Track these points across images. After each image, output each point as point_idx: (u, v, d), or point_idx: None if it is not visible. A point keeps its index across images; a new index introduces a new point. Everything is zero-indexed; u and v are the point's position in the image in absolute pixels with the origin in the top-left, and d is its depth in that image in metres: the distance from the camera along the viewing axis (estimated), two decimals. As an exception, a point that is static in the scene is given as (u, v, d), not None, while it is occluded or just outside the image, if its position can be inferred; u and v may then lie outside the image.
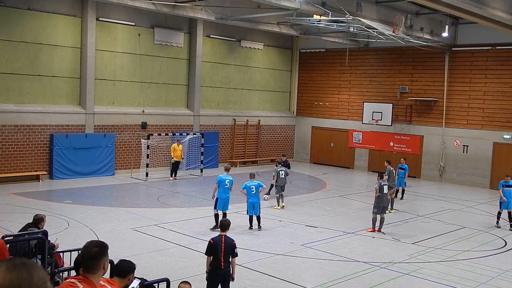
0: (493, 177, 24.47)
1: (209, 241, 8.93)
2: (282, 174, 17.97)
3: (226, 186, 14.48)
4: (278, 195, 17.81)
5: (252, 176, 15.37)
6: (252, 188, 14.70)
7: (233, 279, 8.92)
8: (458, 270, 11.98)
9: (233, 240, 8.95)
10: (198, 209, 16.44)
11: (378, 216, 15.25)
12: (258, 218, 14.79)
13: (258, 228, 14.65)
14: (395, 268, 12.02)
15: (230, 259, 8.82)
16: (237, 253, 8.93)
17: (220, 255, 8.73)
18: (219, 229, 14.27)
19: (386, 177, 18.31)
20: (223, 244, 8.75)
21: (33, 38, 20.53)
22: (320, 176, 25.78)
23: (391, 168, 19.01)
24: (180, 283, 7.51)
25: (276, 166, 18.94)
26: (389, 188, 15.46)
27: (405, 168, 20.49)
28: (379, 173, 16.38)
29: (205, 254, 8.97)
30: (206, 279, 8.98)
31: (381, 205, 15.22)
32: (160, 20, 24.37)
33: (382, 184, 15.28)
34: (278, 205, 17.69)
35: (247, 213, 14.83)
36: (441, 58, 25.94)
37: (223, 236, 8.90)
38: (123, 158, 23.51)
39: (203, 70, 26.40)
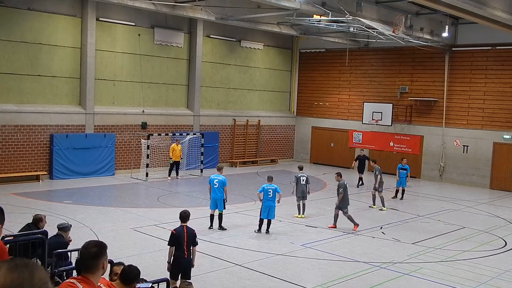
0: (493, 177, 24.49)
1: (172, 232, 9.46)
2: (303, 180, 16.64)
3: (215, 186, 14.46)
4: (298, 203, 16.69)
5: (270, 179, 14.92)
6: (270, 191, 14.41)
7: (193, 266, 9.50)
8: (458, 270, 11.98)
9: (194, 230, 9.55)
10: (198, 209, 16.42)
11: (340, 212, 15.39)
12: (270, 222, 14.56)
13: (266, 232, 14.47)
14: (395, 268, 12.02)
15: (192, 248, 9.38)
16: (197, 241, 9.54)
17: (183, 245, 9.23)
18: (221, 229, 14.45)
19: (378, 176, 18.56)
20: (185, 234, 9.29)
21: (33, 38, 20.53)
22: (320, 176, 25.76)
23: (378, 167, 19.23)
24: (181, 282, 7.53)
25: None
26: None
27: (407, 168, 20.54)
28: (338, 173, 16.24)
29: (168, 245, 9.47)
30: (168, 270, 9.38)
31: (347, 203, 15.44)
32: (160, 20, 24.37)
33: (345, 183, 15.49)
34: (299, 214, 16.66)
35: (260, 216, 14.56)
36: (441, 58, 25.94)
37: (185, 227, 9.44)
38: (123, 158, 23.51)
39: (203, 70, 26.40)
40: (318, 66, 30.61)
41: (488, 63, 24.71)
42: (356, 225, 15.29)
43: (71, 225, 9.90)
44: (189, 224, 9.74)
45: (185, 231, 9.32)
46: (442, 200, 21.18)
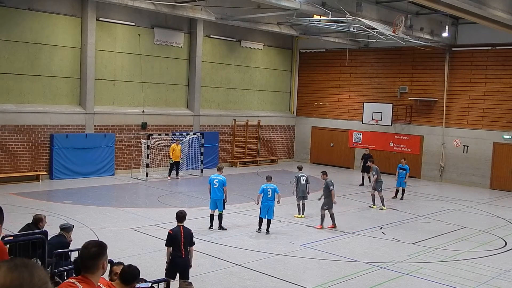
0: (493, 177, 24.49)
1: (169, 232, 9.45)
2: (303, 180, 16.71)
3: (215, 186, 14.46)
4: (298, 203, 16.72)
5: (269, 179, 14.94)
6: (269, 191, 14.43)
7: (190, 266, 9.49)
8: (458, 270, 11.98)
9: (191, 230, 9.55)
10: (198, 209, 16.44)
11: (327, 212, 15.44)
12: (269, 222, 14.56)
13: (266, 232, 14.47)
14: (395, 268, 12.02)
15: (189, 248, 9.40)
16: (194, 241, 9.59)
17: (181, 245, 9.25)
18: (221, 229, 14.45)
19: (375, 176, 18.59)
20: (182, 234, 9.30)
21: (33, 38, 20.53)
22: (320, 176, 25.73)
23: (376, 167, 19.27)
24: (181, 283, 7.53)
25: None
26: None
27: (406, 169, 20.56)
28: (324, 171, 16.50)
29: (165, 245, 9.47)
30: (166, 270, 9.37)
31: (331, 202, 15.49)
32: (160, 20, 24.37)
33: (332, 181, 15.69)
34: (299, 214, 16.68)
35: (259, 215, 14.58)
36: (441, 58, 25.94)
37: (181, 227, 9.44)
38: (123, 158, 23.50)
39: (203, 70, 26.40)
40: (318, 66, 30.61)
41: (488, 63, 24.71)
42: (321, 226, 15.33)
43: (73, 226, 9.91)
44: (189, 224, 9.76)
45: (182, 231, 9.33)
46: (442, 200, 21.18)
